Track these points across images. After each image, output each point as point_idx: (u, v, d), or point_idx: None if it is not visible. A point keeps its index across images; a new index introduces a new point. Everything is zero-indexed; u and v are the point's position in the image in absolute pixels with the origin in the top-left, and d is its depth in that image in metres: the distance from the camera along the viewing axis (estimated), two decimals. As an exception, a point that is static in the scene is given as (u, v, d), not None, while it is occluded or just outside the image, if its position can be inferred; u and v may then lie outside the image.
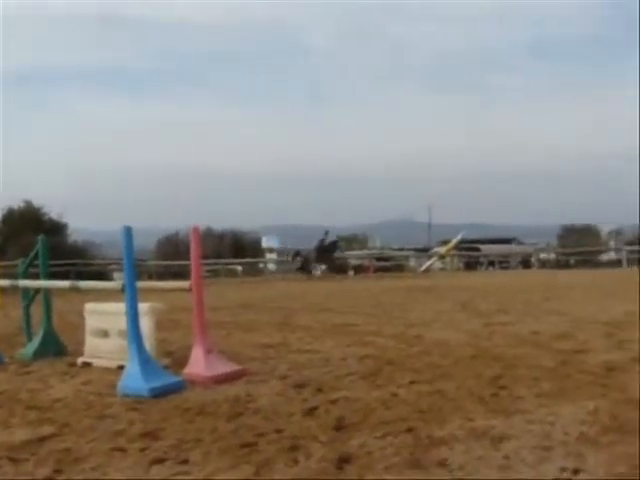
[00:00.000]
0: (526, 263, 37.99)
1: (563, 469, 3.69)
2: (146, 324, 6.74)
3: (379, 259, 41.75)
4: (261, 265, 45.71)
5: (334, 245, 31.07)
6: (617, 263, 35.46)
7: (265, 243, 53.40)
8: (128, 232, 6.16)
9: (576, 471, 3.66)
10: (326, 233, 18.76)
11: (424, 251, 47.19)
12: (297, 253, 31.23)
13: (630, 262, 33.30)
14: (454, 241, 42.93)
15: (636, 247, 36.57)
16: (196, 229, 6.74)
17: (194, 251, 6.69)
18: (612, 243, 44.73)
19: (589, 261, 37.28)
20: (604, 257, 40.87)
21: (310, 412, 5.06)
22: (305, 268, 22.72)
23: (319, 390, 5.82)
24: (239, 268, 43.44)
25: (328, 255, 24.54)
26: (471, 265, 40.22)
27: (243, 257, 44.27)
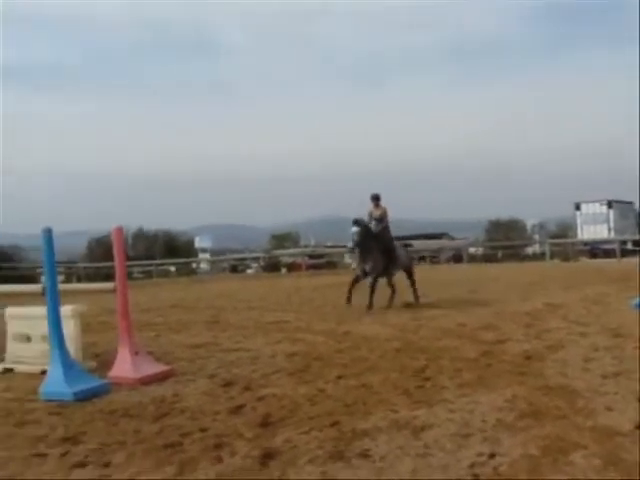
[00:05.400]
0: (457, 258, 38.69)
1: (480, 454, 3.82)
2: (70, 327, 6.62)
3: (312, 256, 41.83)
4: (194, 265, 45.26)
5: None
6: (541, 256, 36.56)
7: (198, 243, 52.89)
8: (48, 234, 6.03)
9: (492, 455, 3.80)
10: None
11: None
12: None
13: (553, 255, 34.41)
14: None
15: (559, 240, 37.92)
16: (118, 230, 6.65)
17: (117, 252, 6.60)
18: (536, 236, 46.13)
19: (515, 254, 38.36)
20: (529, 250, 42.09)
21: (236, 410, 5.07)
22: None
23: (246, 388, 5.83)
24: (172, 268, 42.90)
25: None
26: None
27: (176, 257, 43.77)
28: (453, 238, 49.71)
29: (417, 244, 42.51)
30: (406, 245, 42.12)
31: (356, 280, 12.00)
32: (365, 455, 3.90)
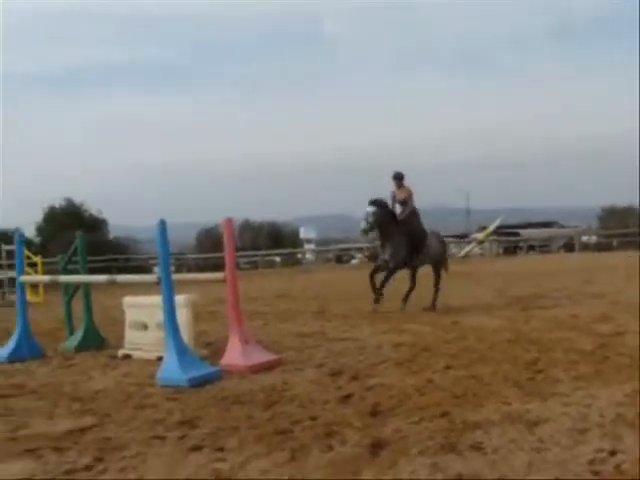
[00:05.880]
0: (569, 247, 37.41)
1: (599, 450, 3.66)
2: (183, 316, 6.85)
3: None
4: (299, 255, 45.80)
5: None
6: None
7: (303, 234, 53.41)
8: (162, 226, 6.26)
9: (613, 452, 3.63)
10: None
11: (462, 237, 46.76)
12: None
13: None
14: (492, 226, 42.45)
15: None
16: (229, 221, 6.81)
17: (227, 243, 6.76)
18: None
19: (632, 243, 36.51)
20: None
21: (345, 399, 5.10)
22: None
23: (354, 377, 5.86)
24: (277, 259, 43.59)
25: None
26: (510, 250, 39.75)
27: (281, 248, 44.43)
28: (563, 226, 47.89)
29: (525, 233, 41.41)
30: (513, 234, 40.74)
31: (375, 270, 10.60)
32: (477, 447, 3.82)
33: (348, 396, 5.17)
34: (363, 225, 10.44)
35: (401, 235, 10.44)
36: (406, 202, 10.78)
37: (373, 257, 39.82)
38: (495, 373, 5.70)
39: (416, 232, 10.68)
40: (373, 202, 10.34)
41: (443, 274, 11.45)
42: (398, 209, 10.78)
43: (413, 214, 10.80)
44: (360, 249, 43.18)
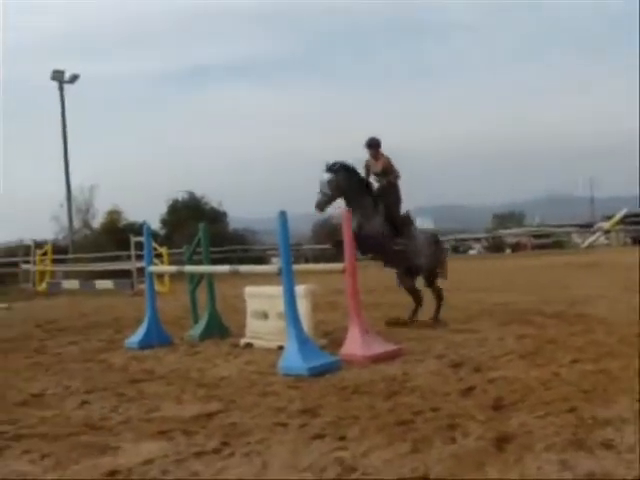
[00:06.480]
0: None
1: None
2: (303, 306, 6.96)
3: (537, 236, 40.16)
4: (417, 246, 45.26)
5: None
6: None
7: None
8: (283, 217, 6.37)
9: None
10: None
11: (586, 227, 44.78)
12: None
13: None
14: (619, 215, 40.42)
15: None
16: (347, 212, 6.85)
17: (346, 233, 6.80)
18: None
19: None
20: None
21: (467, 391, 5.02)
22: None
23: (476, 369, 5.76)
24: (395, 249, 43.24)
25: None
26: (640, 240, 37.75)
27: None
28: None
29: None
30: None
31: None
32: (609, 445, 3.65)
33: (470, 388, 5.09)
34: (319, 198, 7.98)
35: (372, 204, 8.27)
36: (385, 174, 8.50)
37: (493, 247, 39.05)
38: (626, 368, 5.43)
39: (392, 209, 8.49)
40: (330, 168, 7.95)
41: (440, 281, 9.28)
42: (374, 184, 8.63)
43: (390, 187, 8.52)
44: (478, 239, 42.34)
